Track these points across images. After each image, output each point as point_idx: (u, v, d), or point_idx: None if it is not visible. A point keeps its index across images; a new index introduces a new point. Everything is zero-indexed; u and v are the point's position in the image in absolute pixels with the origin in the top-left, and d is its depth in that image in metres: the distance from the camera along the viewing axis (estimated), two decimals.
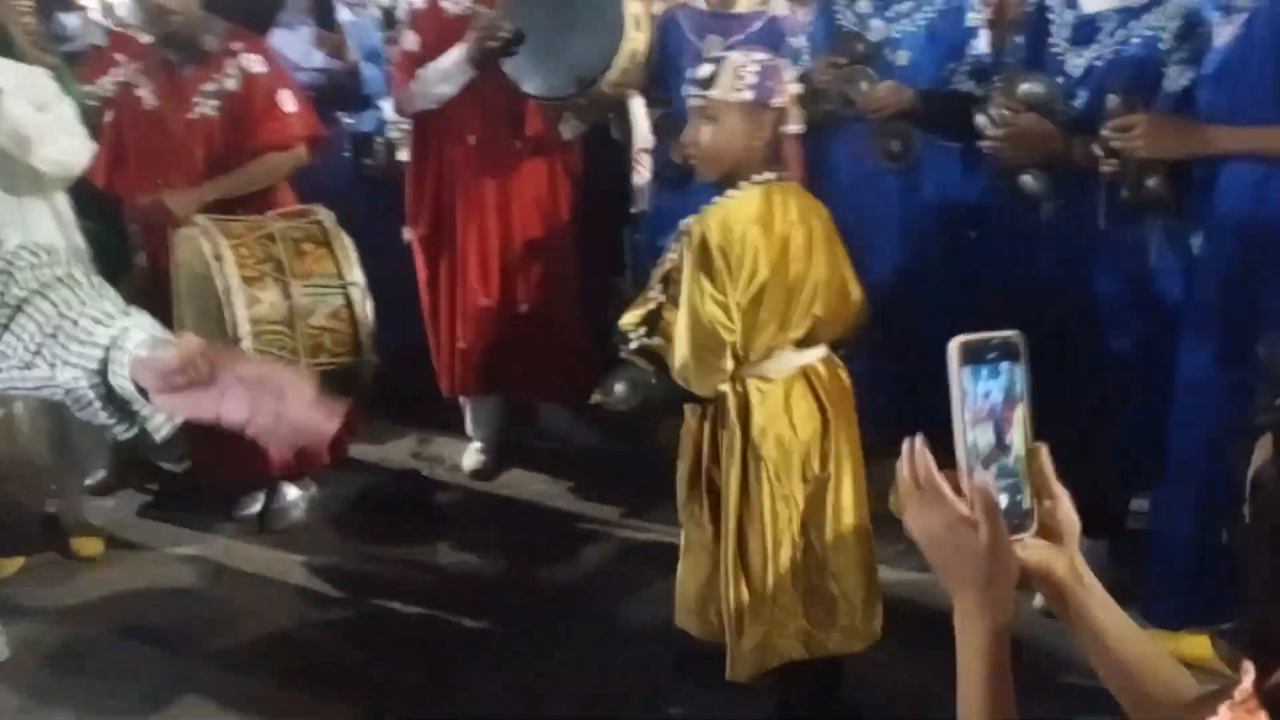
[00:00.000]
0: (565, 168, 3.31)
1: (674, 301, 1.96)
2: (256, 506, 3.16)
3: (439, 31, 3.03)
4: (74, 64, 3.06)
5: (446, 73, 3.01)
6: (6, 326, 1.01)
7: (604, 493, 3.24)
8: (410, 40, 3.11)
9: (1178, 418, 2.14)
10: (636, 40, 2.83)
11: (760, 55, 2.02)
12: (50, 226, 2.68)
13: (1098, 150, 2.07)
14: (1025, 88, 2.24)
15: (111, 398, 1.01)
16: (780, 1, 2.96)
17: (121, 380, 0.99)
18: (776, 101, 1.96)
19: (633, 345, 1.96)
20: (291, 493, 3.16)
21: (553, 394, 3.52)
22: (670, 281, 1.99)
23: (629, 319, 2.01)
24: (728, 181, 1.96)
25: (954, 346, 0.75)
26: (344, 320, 2.54)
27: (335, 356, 2.55)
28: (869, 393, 2.87)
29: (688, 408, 2.05)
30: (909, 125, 2.60)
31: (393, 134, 3.69)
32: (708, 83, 1.92)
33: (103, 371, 0.99)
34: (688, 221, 1.95)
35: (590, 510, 3.19)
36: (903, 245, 2.73)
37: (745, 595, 1.98)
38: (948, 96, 2.58)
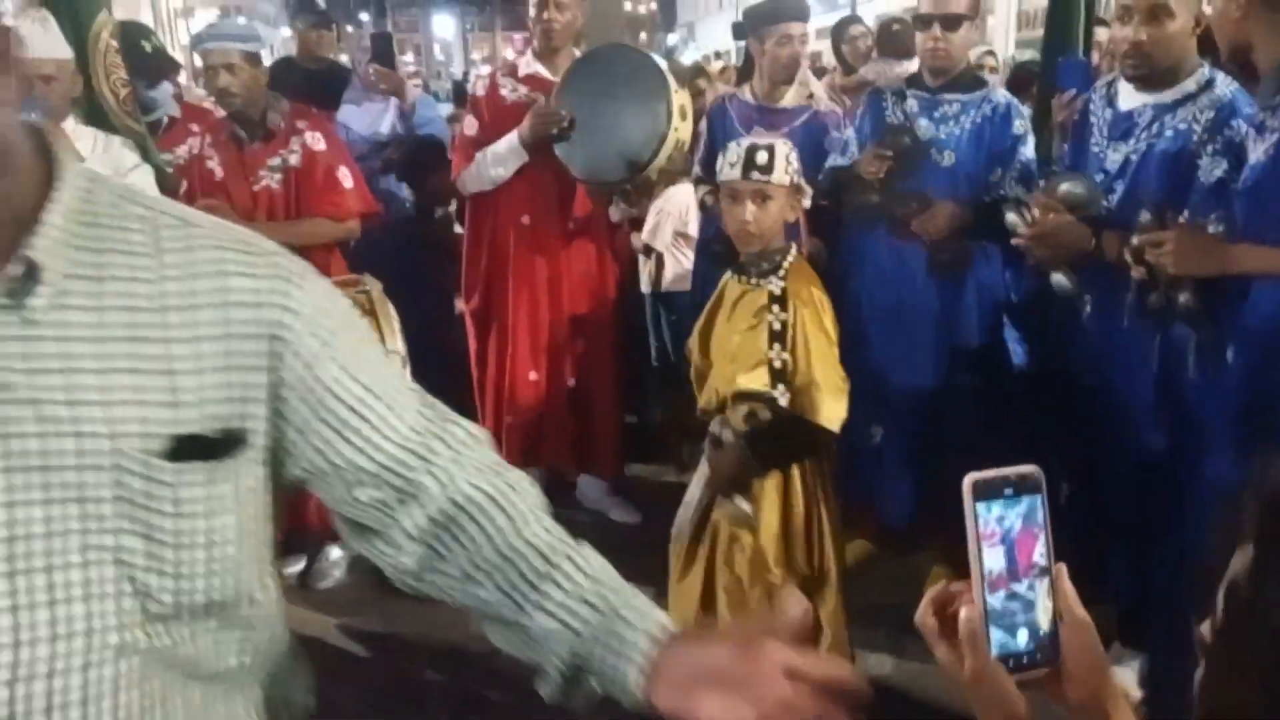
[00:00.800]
0: (613, 248, 3.45)
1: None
2: (299, 566, 3.24)
3: (497, 117, 3.21)
4: (154, 133, 3.31)
5: (502, 157, 3.17)
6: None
7: (638, 569, 3.22)
8: (470, 124, 3.30)
9: (1200, 530, 2.08)
10: (682, 130, 2.97)
11: (789, 145, 2.19)
12: None
13: (1128, 257, 2.07)
14: (1065, 188, 2.27)
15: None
16: (823, 98, 3.08)
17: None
18: (802, 183, 2.16)
19: (781, 401, 2.03)
20: (334, 553, 3.23)
21: (592, 467, 3.56)
22: (780, 342, 2.08)
23: (759, 381, 2.05)
24: (763, 254, 2.13)
25: (968, 484, 0.73)
26: None
27: None
28: (897, 481, 2.87)
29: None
30: (962, 242, 2.63)
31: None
32: (767, 168, 2.08)
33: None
34: (779, 286, 2.08)
35: None
36: (936, 336, 2.73)
37: None
38: (996, 208, 2.60)
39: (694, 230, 3.68)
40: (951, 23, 2.64)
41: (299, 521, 3.11)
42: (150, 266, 0.76)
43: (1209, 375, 2.08)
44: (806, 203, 2.20)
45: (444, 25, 46.28)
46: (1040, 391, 2.76)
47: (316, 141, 3.00)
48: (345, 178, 3.03)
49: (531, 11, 3.21)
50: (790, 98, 3.09)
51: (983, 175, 2.65)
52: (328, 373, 0.83)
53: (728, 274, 2.27)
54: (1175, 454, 2.21)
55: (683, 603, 2.21)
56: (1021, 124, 2.66)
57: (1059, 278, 2.33)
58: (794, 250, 2.16)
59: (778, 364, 2.03)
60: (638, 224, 3.79)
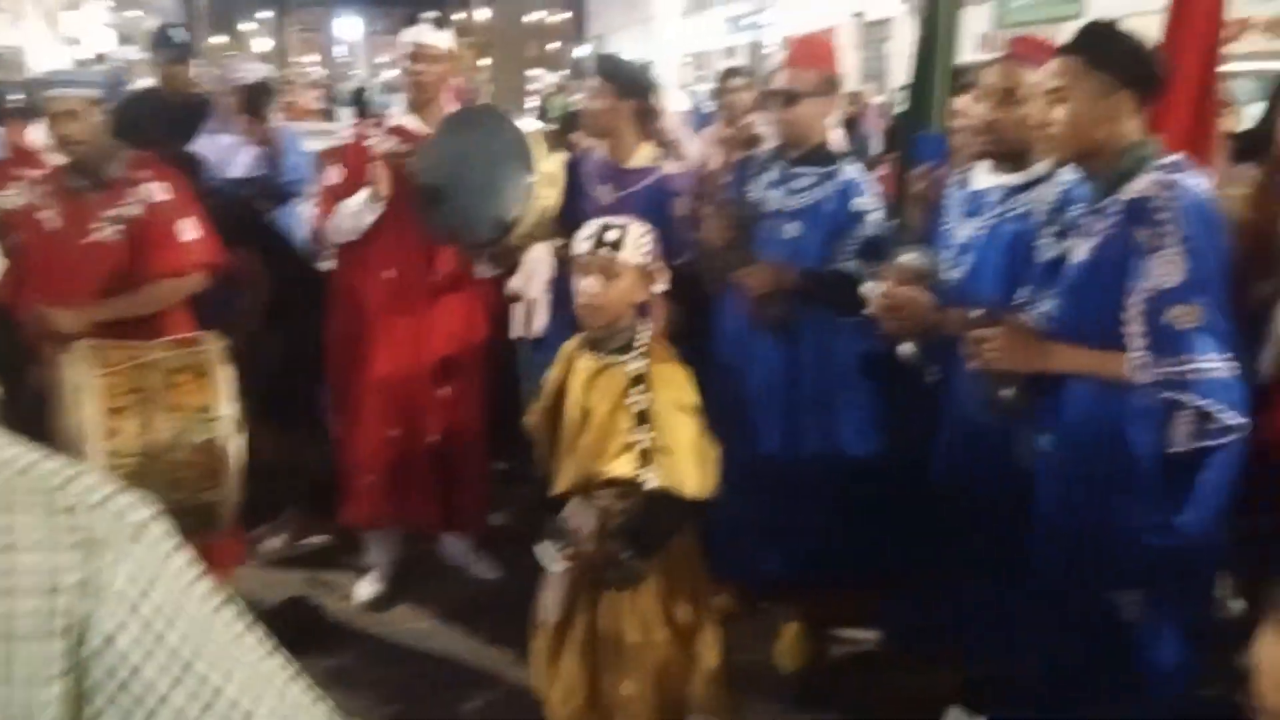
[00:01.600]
0: (481, 303, 3.36)
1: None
2: None
3: (362, 169, 3.09)
4: None
5: (357, 209, 3.06)
6: None
7: (500, 630, 3.15)
8: (332, 175, 3.18)
9: (1023, 620, 2.16)
10: (548, 197, 2.91)
11: (646, 226, 2.18)
12: None
13: (961, 352, 2.13)
14: (904, 259, 2.34)
15: None
16: (670, 162, 3.07)
17: None
18: (655, 266, 2.15)
19: (651, 485, 2.01)
20: None
21: (455, 525, 3.47)
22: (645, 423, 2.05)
23: (626, 467, 2.03)
24: (613, 331, 2.12)
25: None
26: (206, 454, 2.49)
27: (197, 491, 2.49)
28: (751, 544, 2.88)
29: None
30: (788, 297, 2.67)
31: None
32: (617, 245, 2.07)
33: None
34: (636, 367, 2.06)
35: (482, 652, 3.10)
36: (781, 404, 2.75)
37: None
38: (830, 277, 2.67)
39: None
40: (792, 99, 2.66)
41: None
42: None
43: (1028, 464, 2.13)
44: (659, 287, 2.18)
45: (348, 27, 45.17)
46: (892, 458, 2.81)
47: (159, 192, 2.84)
48: (187, 229, 2.87)
49: (402, 63, 3.13)
50: (640, 158, 3.07)
51: (823, 248, 2.69)
52: (158, 674, 0.64)
53: (573, 347, 2.23)
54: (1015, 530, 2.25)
55: (561, 685, 2.18)
56: (863, 201, 2.69)
57: (905, 347, 2.40)
58: (648, 327, 2.13)
59: (645, 445, 2.02)
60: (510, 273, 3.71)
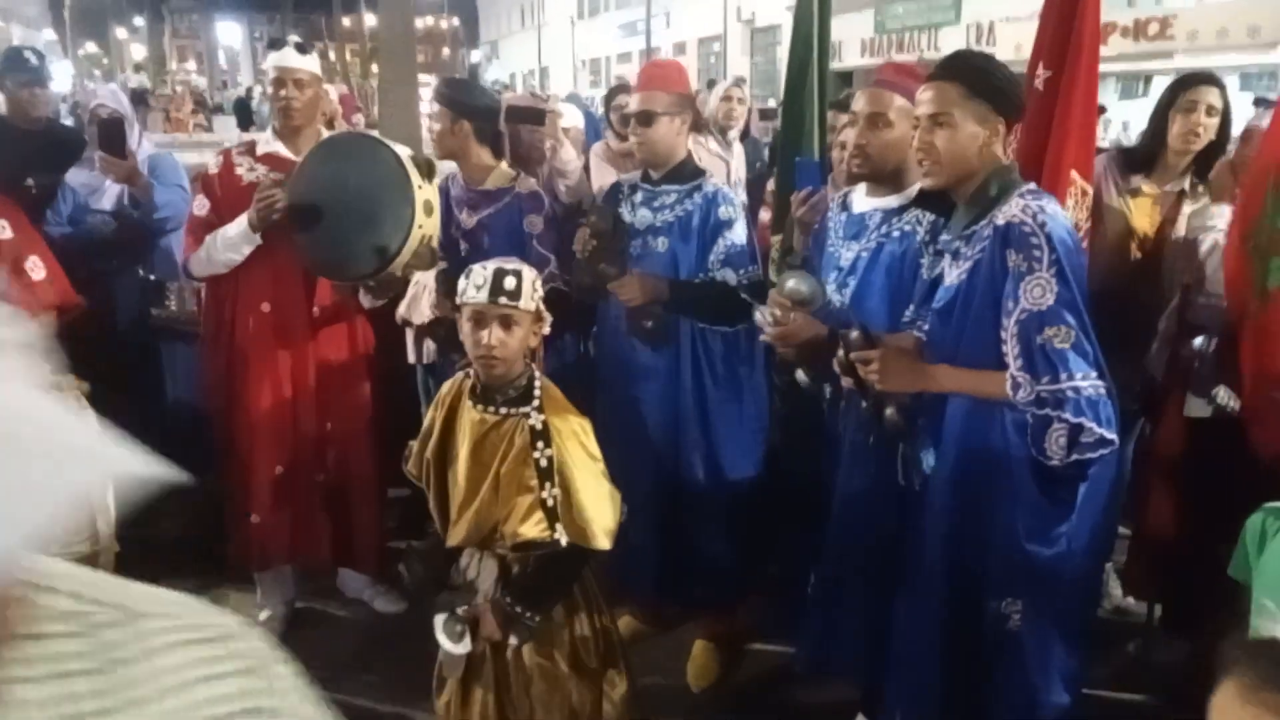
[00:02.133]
0: (364, 334, 3.25)
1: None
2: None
3: (231, 197, 2.97)
4: None
5: (233, 241, 2.94)
6: None
7: (402, 662, 3.06)
8: (201, 204, 3.03)
9: (913, 633, 2.22)
10: (428, 225, 2.83)
11: (529, 268, 2.14)
12: None
13: (836, 368, 2.17)
14: (790, 285, 2.36)
15: None
16: (526, 180, 3.06)
17: None
18: (543, 309, 2.14)
19: (563, 541, 1.99)
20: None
21: (352, 561, 3.37)
22: (549, 479, 2.02)
23: (537, 529, 1.98)
24: (504, 382, 2.07)
25: None
26: (79, 508, 2.36)
27: (70, 545, 2.35)
28: (649, 563, 2.89)
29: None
30: (659, 308, 2.71)
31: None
32: (515, 294, 2.02)
33: None
34: (538, 420, 2.03)
35: (387, 693, 3.00)
36: (665, 418, 2.81)
37: None
38: (701, 286, 2.72)
39: None
40: (646, 119, 2.70)
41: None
42: (103, 689, 0.61)
43: (913, 482, 2.19)
44: (546, 329, 2.15)
45: (229, 32, 43.57)
46: (779, 472, 2.86)
47: (2, 230, 2.66)
48: (35, 269, 2.72)
49: (269, 89, 3.00)
50: (493, 179, 3.05)
51: (695, 259, 2.74)
52: None
53: (450, 393, 2.16)
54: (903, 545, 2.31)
55: None
56: (727, 210, 2.74)
57: (800, 374, 2.42)
58: (537, 374, 2.10)
59: (550, 502, 1.99)
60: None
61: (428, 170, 2.82)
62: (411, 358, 3.80)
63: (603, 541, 2.02)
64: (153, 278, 3.66)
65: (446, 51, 33.23)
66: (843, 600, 2.43)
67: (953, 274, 2.07)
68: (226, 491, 3.20)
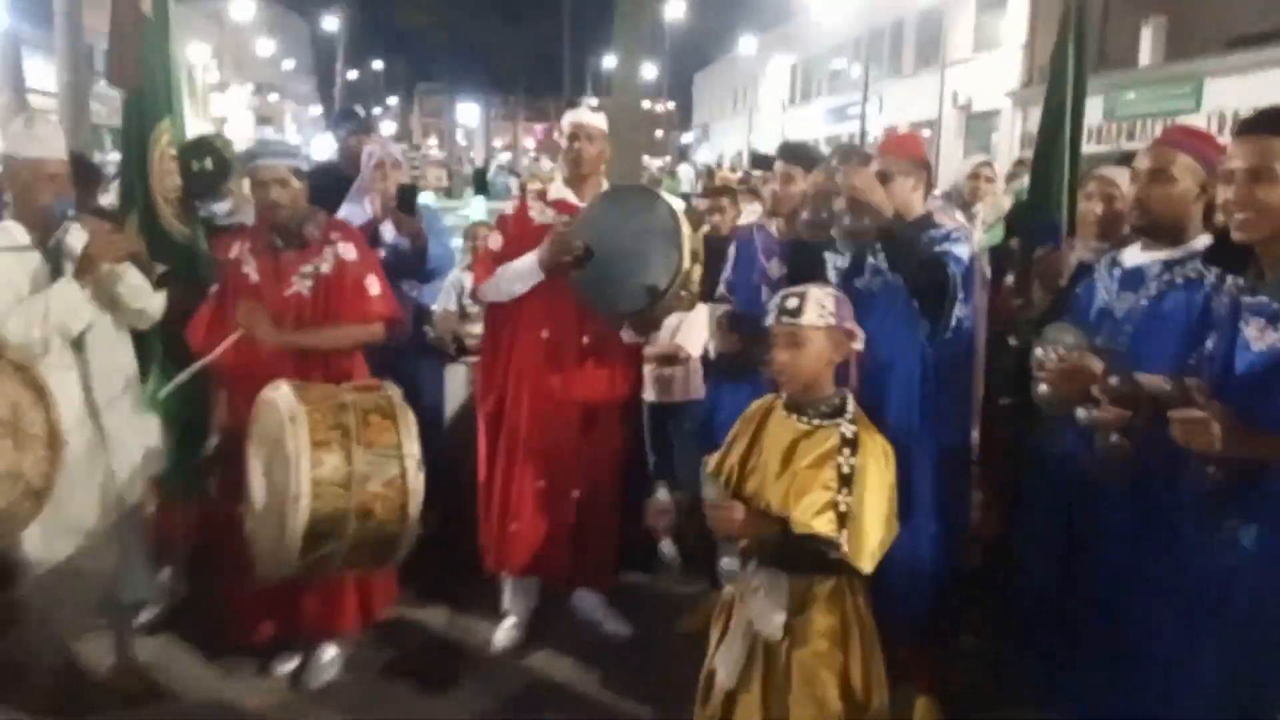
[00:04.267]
0: (625, 367, 3.54)
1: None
2: (292, 664, 3.26)
3: (523, 235, 3.38)
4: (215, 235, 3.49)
5: (521, 274, 3.33)
6: None
7: (632, 684, 3.25)
8: (495, 240, 3.47)
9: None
10: (694, 270, 3.16)
11: (833, 290, 2.34)
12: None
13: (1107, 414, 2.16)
14: (1058, 331, 2.38)
15: None
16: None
17: None
18: (848, 325, 2.28)
19: (845, 547, 2.12)
20: (329, 652, 3.26)
21: (591, 580, 3.61)
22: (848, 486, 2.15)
23: (828, 526, 2.12)
24: (815, 397, 2.24)
25: None
26: (397, 489, 2.71)
27: (383, 522, 2.70)
28: None
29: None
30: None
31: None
32: (797, 311, 2.21)
33: None
34: (850, 430, 2.17)
35: (616, 703, 3.19)
36: None
37: None
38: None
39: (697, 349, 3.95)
40: (883, 179, 2.77)
41: (293, 619, 3.16)
42: None
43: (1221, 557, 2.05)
44: (859, 345, 2.30)
45: (468, 113, 47.72)
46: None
47: (348, 251, 3.15)
48: (373, 285, 3.17)
49: (563, 142, 3.42)
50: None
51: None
52: None
53: (762, 408, 2.35)
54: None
55: None
56: (955, 247, 2.79)
57: (1083, 413, 2.31)
58: (850, 398, 2.26)
59: (843, 508, 2.11)
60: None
61: (696, 222, 3.13)
62: (649, 396, 4.11)
63: (866, 562, 2.11)
64: (423, 305, 4.20)
65: (660, 133, 34.75)
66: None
67: (1270, 337, 1.99)
68: (487, 499, 3.52)
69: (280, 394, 2.74)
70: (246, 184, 3.27)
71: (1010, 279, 3.72)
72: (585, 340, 3.39)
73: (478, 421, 3.60)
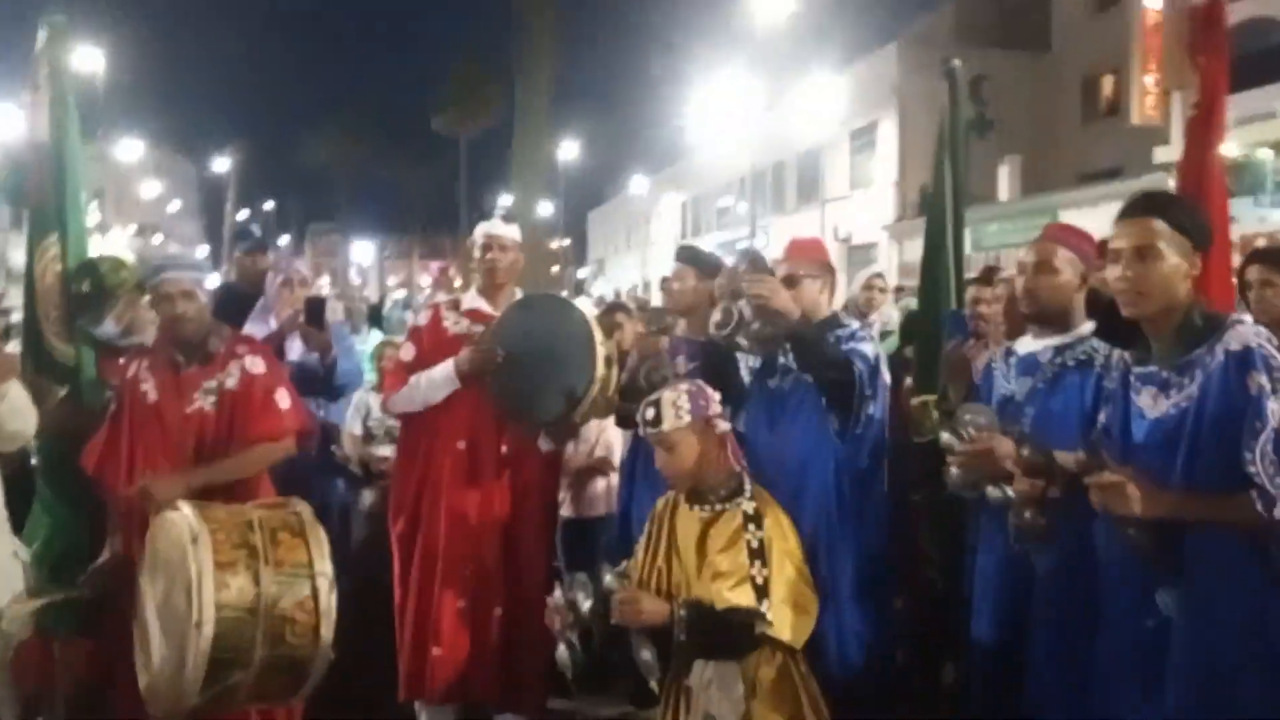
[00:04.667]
0: (545, 477, 3.47)
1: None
2: None
3: (437, 345, 3.34)
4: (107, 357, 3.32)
5: (437, 383, 3.28)
6: None
7: None
8: (407, 351, 3.41)
9: None
10: (610, 375, 3.17)
11: (685, 385, 2.40)
12: None
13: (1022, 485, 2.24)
14: (971, 414, 2.47)
15: None
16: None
17: None
18: (709, 413, 2.34)
19: (769, 616, 2.14)
20: None
21: (517, 703, 3.41)
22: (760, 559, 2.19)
23: (747, 597, 2.13)
24: (711, 486, 2.29)
25: None
26: (308, 611, 2.55)
27: (294, 647, 2.53)
28: None
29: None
30: None
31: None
32: (656, 421, 2.30)
33: None
34: (752, 506, 2.24)
35: None
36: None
37: None
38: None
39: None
40: (791, 282, 2.91)
41: None
42: None
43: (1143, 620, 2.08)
44: (724, 425, 2.36)
45: (362, 251, 47.80)
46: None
47: (255, 365, 3.04)
48: (283, 398, 3.05)
49: (477, 252, 3.43)
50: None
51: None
52: None
53: (674, 500, 2.36)
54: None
55: None
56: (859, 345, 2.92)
57: (994, 491, 2.43)
58: (746, 479, 2.30)
59: (759, 580, 2.13)
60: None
61: (609, 329, 3.17)
62: (565, 511, 4.05)
63: (787, 632, 2.10)
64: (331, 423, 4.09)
65: (556, 269, 35.48)
66: None
67: (1163, 404, 2.08)
68: (402, 620, 3.35)
69: (180, 514, 2.58)
70: (146, 302, 3.17)
71: (909, 381, 3.89)
72: (504, 449, 3.33)
73: (391, 544, 3.45)
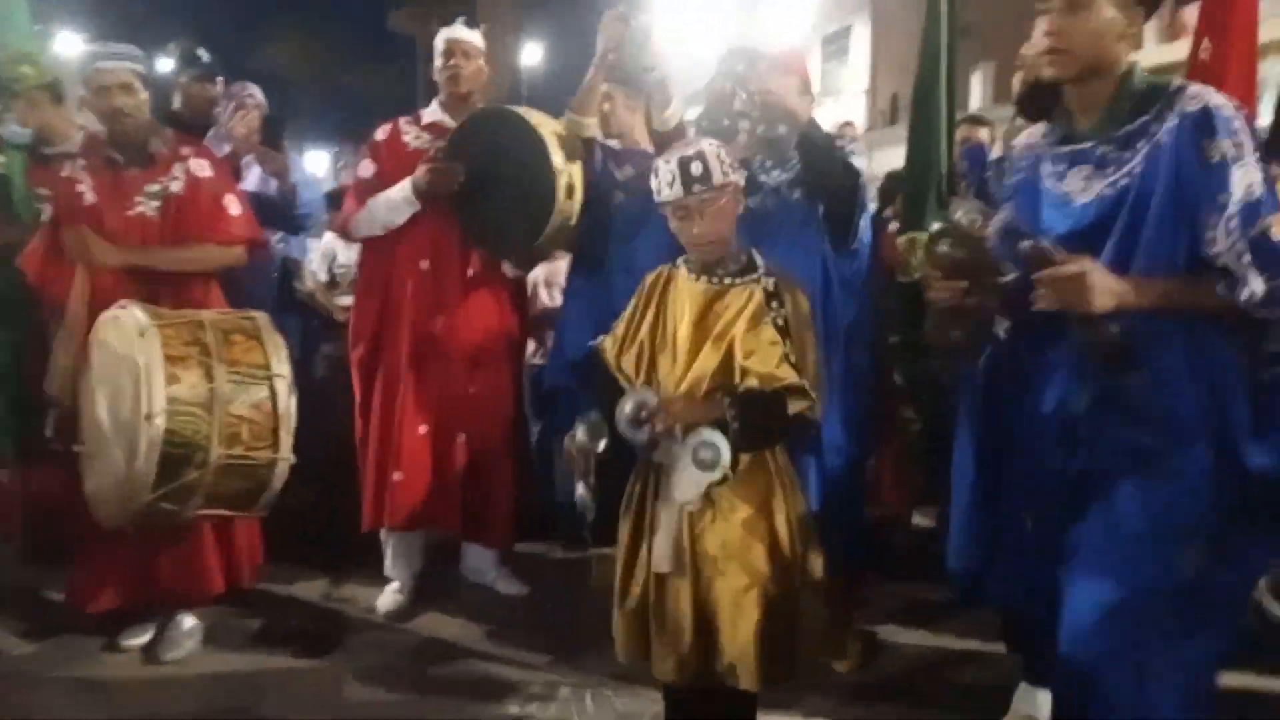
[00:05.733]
0: (512, 302, 3.34)
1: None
2: (144, 637, 2.89)
3: (396, 162, 3.14)
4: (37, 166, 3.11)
5: (396, 204, 3.10)
6: None
7: (528, 643, 3.01)
8: (366, 167, 3.21)
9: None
10: (569, 207, 2.98)
11: (709, 139, 2.13)
12: None
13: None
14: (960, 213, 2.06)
15: None
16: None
17: None
18: (738, 176, 2.11)
19: (812, 391, 2.01)
20: (187, 622, 2.90)
21: (480, 535, 3.36)
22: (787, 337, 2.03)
23: (791, 373, 1.99)
24: (724, 258, 2.09)
25: None
26: (265, 413, 2.45)
27: (251, 450, 2.43)
28: None
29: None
30: None
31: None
32: (705, 176, 2.01)
33: None
34: (770, 283, 2.05)
35: (511, 656, 2.95)
36: None
37: None
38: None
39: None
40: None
41: (144, 584, 2.81)
42: None
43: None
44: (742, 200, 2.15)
45: (316, 162, 46.12)
46: None
47: (202, 169, 2.86)
48: (232, 204, 2.88)
49: (438, 60, 3.21)
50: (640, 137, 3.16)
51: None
52: None
53: (668, 274, 2.17)
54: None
55: (668, 635, 2.06)
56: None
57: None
58: (756, 254, 2.13)
59: (792, 358, 1.99)
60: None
61: (572, 151, 2.96)
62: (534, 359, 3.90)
63: (816, 413, 2.02)
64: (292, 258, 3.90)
65: None
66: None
67: (1097, 185, 1.80)
68: (364, 450, 3.24)
69: (127, 312, 2.44)
70: (74, 109, 2.95)
71: (894, 226, 3.75)
72: (470, 272, 3.18)
73: (351, 373, 3.32)
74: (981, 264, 1.94)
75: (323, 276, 4.23)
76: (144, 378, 2.28)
